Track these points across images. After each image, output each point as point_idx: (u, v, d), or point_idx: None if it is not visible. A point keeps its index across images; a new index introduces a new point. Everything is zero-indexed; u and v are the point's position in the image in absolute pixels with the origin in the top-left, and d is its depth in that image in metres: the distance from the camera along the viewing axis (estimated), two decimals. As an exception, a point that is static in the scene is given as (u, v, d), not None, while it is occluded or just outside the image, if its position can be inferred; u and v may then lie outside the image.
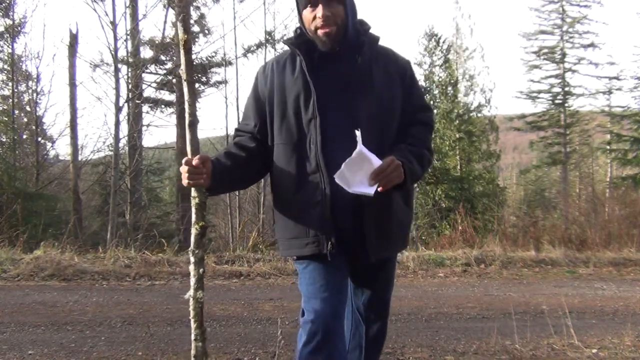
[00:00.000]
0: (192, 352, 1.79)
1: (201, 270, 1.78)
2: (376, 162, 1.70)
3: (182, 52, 1.78)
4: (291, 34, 1.98)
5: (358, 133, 1.68)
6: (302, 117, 1.84)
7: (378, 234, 1.85)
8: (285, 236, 1.92)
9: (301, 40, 1.89)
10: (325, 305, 1.79)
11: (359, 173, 1.70)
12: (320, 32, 1.81)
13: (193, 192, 1.79)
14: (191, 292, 1.77)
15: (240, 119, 2.06)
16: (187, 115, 1.79)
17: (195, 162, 1.73)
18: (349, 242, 1.85)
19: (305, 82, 1.83)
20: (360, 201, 1.80)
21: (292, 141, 1.85)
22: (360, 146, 1.68)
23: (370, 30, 1.93)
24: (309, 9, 1.83)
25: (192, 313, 1.77)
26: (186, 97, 1.79)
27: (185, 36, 1.75)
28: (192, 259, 1.78)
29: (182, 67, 1.78)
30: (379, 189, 1.71)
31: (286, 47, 1.96)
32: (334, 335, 1.79)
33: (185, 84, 1.79)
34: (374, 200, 1.76)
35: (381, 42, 1.96)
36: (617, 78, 21.55)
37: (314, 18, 1.81)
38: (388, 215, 1.88)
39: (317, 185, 1.80)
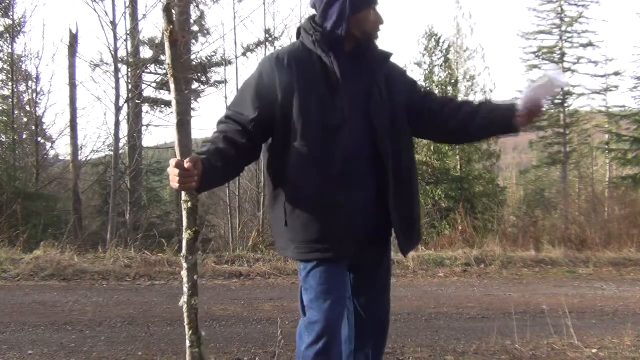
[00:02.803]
0: (188, 358, 1.72)
1: (195, 276, 1.69)
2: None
3: (167, 44, 1.59)
4: (316, 33, 1.88)
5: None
6: (329, 119, 1.80)
7: (405, 234, 1.93)
8: (304, 239, 1.83)
9: (332, 38, 1.85)
10: (334, 308, 1.80)
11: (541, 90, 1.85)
12: (377, 35, 1.91)
13: (184, 196, 1.68)
14: (185, 298, 1.69)
15: (232, 106, 1.90)
16: (174, 114, 1.66)
17: (187, 165, 1.62)
18: (362, 245, 1.88)
19: (330, 84, 1.83)
20: (379, 204, 1.87)
21: (316, 143, 1.80)
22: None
23: None
24: (372, 11, 1.87)
25: (186, 320, 1.70)
26: (173, 95, 1.64)
27: (170, 27, 1.57)
28: (185, 265, 1.68)
29: (168, 61, 1.62)
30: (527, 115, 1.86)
31: (294, 41, 1.96)
32: (338, 337, 1.82)
33: (171, 80, 1.62)
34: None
35: (380, 42, 2.02)
36: (617, 73, 21.53)
37: (374, 22, 1.88)
38: (413, 216, 1.96)
39: (341, 188, 1.80)
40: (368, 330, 2.02)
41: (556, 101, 22.10)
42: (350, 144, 1.81)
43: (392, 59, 2.05)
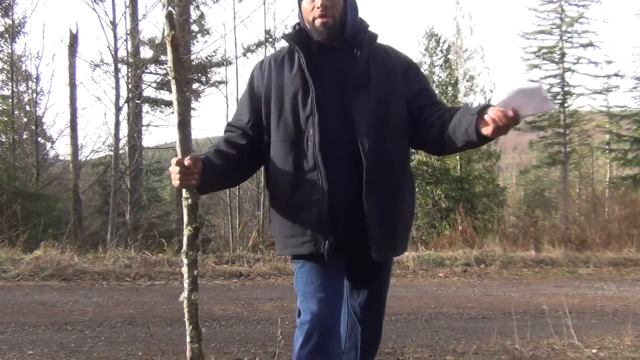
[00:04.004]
0: (188, 354, 1.76)
1: (195, 272, 1.75)
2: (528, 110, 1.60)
3: (169, 48, 1.72)
4: (289, 30, 1.95)
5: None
6: (300, 114, 1.81)
7: (383, 234, 1.83)
8: (282, 234, 1.89)
9: (300, 37, 1.88)
10: (322, 306, 1.78)
11: (523, 101, 1.58)
12: (317, 21, 1.81)
13: (184, 193, 1.76)
14: (185, 294, 1.74)
15: (233, 114, 2.02)
16: (175, 115, 1.75)
17: (187, 162, 1.70)
18: (348, 242, 1.83)
19: (303, 78, 1.82)
20: (362, 200, 1.79)
21: (289, 139, 1.82)
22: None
23: (369, 28, 1.92)
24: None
25: (186, 315, 1.74)
26: (174, 96, 1.75)
27: (172, 32, 1.69)
28: (185, 261, 1.74)
29: (170, 64, 1.73)
30: (491, 125, 1.59)
31: (285, 44, 1.94)
32: (331, 336, 1.78)
33: (173, 82, 1.74)
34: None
35: (381, 41, 1.95)
36: (616, 75, 21.57)
37: (313, 8, 1.81)
38: (394, 215, 1.87)
39: (314, 183, 1.78)
40: (357, 333, 2.02)
41: (556, 101, 22.11)
42: (326, 139, 1.77)
43: (396, 50, 1.98)
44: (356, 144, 1.79)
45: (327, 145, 1.78)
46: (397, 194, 1.89)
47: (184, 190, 1.76)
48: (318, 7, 1.79)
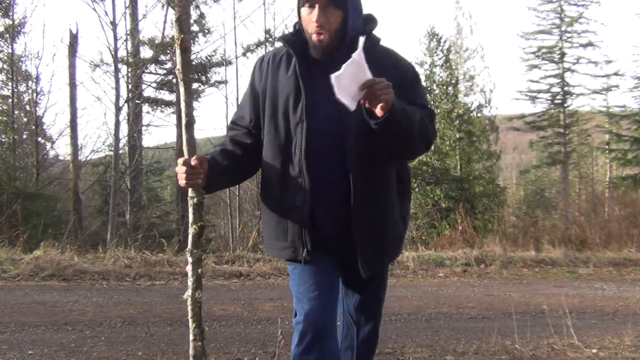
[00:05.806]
0: (191, 352, 1.78)
1: (199, 270, 1.77)
2: (369, 74, 1.60)
3: (178, 51, 1.76)
4: (289, 30, 1.90)
5: (361, 39, 1.60)
6: (291, 120, 1.79)
7: (371, 248, 1.81)
8: (268, 235, 1.93)
9: (298, 39, 1.82)
10: (315, 305, 1.77)
11: (351, 82, 1.59)
12: (314, 37, 1.75)
13: (190, 193, 1.77)
14: (189, 292, 1.76)
15: (237, 109, 2.02)
16: (183, 116, 1.78)
17: (193, 162, 1.71)
18: (338, 250, 1.83)
19: (296, 84, 1.78)
20: (348, 208, 1.76)
21: (278, 142, 1.81)
22: (360, 52, 1.58)
23: (374, 31, 1.84)
24: (306, 8, 1.75)
25: (190, 313, 1.77)
26: (182, 97, 1.77)
27: (182, 36, 1.73)
28: (190, 259, 1.77)
29: (179, 66, 1.77)
30: (364, 103, 1.62)
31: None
32: (325, 334, 1.77)
33: (181, 84, 1.77)
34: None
35: (384, 42, 1.88)
36: (616, 74, 21.59)
37: (310, 20, 1.75)
38: (382, 228, 1.83)
39: (298, 190, 1.77)
40: (353, 333, 2.01)
41: (556, 101, 22.14)
42: (313, 147, 1.75)
43: (398, 56, 1.90)
44: (344, 155, 1.76)
45: (314, 154, 1.76)
46: (386, 207, 1.85)
47: (189, 190, 1.77)
48: (314, 22, 1.72)
